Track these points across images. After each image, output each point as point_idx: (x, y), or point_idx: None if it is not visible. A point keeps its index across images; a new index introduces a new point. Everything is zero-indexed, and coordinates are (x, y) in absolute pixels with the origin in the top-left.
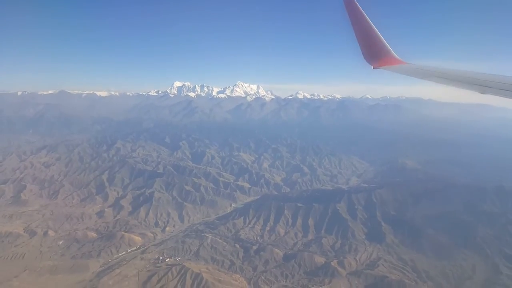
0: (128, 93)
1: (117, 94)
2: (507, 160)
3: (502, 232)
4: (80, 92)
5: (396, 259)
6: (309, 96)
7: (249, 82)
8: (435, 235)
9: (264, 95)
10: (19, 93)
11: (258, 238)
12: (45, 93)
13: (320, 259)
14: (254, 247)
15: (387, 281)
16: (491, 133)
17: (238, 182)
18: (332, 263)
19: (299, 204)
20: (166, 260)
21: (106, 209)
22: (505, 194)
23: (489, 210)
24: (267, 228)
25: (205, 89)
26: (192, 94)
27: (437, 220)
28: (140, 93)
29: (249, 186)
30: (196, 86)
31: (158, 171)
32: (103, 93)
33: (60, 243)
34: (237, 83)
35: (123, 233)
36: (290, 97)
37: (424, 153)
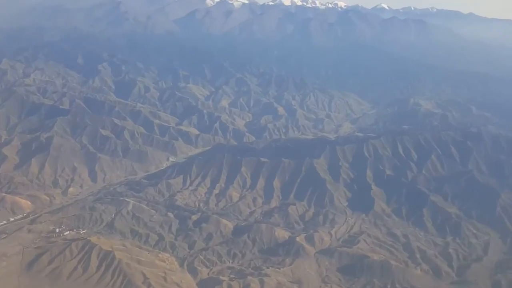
0: None
1: None
2: None
3: None
4: None
5: (384, 234)
6: (299, 3)
7: None
8: (442, 204)
9: None
10: None
11: (201, 204)
12: None
13: (282, 233)
14: (194, 217)
15: (367, 262)
16: None
17: (181, 127)
18: (298, 239)
19: (263, 159)
20: (65, 234)
21: None
22: None
23: None
24: (215, 191)
25: None
26: None
27: (450, 183)
28: None
29: (198, 132)
30: None
31: (61, 106)
32: None
33: None
34: None
35: (4, 194)
36: (270, 3)
37: (447, 92)
